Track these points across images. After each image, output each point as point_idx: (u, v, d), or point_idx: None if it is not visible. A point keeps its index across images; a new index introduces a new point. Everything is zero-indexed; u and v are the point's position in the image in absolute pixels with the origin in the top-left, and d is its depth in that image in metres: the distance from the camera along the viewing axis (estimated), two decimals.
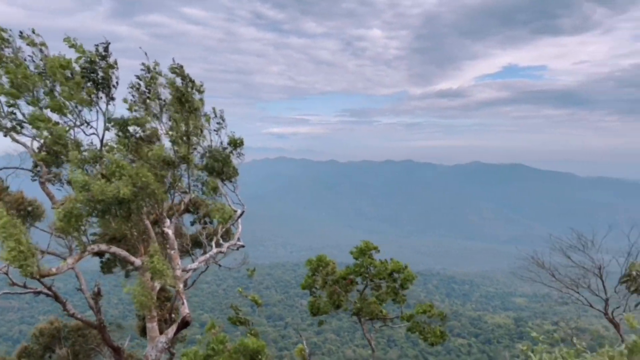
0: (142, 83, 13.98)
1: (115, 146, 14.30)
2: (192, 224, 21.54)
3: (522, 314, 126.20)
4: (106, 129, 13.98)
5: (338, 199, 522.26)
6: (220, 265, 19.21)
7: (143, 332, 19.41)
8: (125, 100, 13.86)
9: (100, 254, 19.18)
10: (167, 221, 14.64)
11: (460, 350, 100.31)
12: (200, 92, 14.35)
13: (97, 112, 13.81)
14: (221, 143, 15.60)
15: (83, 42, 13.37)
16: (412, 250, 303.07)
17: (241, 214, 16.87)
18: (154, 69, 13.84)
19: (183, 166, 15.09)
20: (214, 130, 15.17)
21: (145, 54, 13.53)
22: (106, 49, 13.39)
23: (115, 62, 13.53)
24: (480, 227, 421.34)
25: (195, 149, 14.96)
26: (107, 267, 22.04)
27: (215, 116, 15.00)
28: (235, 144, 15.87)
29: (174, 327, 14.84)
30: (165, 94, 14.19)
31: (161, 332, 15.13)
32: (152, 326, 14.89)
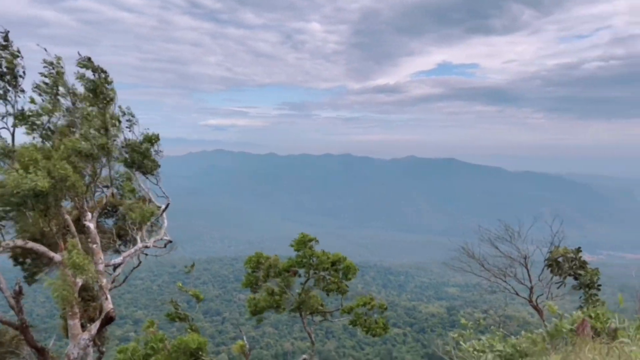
0: (48, 80, 13.15)
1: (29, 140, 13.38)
2: (115, 223, 20.68)
3: (454, 303, 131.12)
4: (15, 124, 13.02)
5: (277, 192, 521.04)
6: (147, 255, 18.44)
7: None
8: (32, 100, 12.99)
9: (21, 261, 17.87)
10: (89, 215, 13.85)
11: (395, 340, 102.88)
12: (109, 82, 13.73)
13: (7, 105, 12.84)
14: (136, 140, 15.02)
15: (7, 28, 12.40)
16: (351, 242, 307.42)
17: (166, 208, 16.27)
18: (58, 63, 13.06)
19: (104, 159, 14.37)
20: (127, 127, 14.59)
21: (45, 49, 12.74)
22: (6, 38, 12.45)
23: (18, 51, 12.59)
24: (416, 220, 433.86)
25: (114, 140, 14.29)
26: (30, 277, 20.72)
27: (124, 114, 14.43)
28: (151, 140, 15.29)
29: (97, 324, 14.10)
30: (78, 87, 13.47)
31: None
32: (74, 323, 14.08)
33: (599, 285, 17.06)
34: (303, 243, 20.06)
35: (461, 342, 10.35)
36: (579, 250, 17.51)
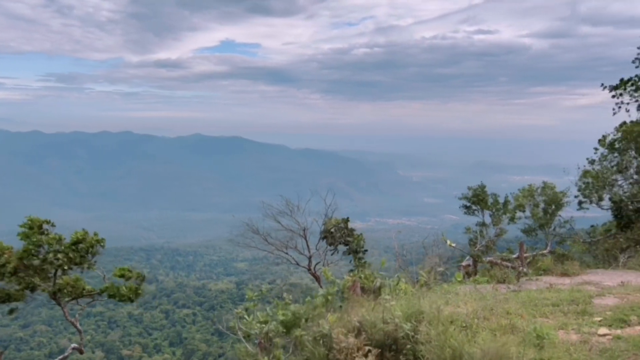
0: None
1: None
2: None
3: (243, 278, 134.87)
4: None
5: (44, 174, 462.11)
6: None
7: None
8: None
9: None
10: None
11: (185, 321, 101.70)
12: None
13: None
14: None
15: None
16: (133, 225, 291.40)
17: None
18: None
19: None
20: None
21: None
22: None
23: None
24: (203, 198, 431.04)
25: None
26: None
27: None
28: None
29: None
30: None
31: None
32: None
33: (365, 249, 19.39)
34: (32, 229, 17.52)
35: (245, 316, 10.63)
36: (347, 220, 19.54)
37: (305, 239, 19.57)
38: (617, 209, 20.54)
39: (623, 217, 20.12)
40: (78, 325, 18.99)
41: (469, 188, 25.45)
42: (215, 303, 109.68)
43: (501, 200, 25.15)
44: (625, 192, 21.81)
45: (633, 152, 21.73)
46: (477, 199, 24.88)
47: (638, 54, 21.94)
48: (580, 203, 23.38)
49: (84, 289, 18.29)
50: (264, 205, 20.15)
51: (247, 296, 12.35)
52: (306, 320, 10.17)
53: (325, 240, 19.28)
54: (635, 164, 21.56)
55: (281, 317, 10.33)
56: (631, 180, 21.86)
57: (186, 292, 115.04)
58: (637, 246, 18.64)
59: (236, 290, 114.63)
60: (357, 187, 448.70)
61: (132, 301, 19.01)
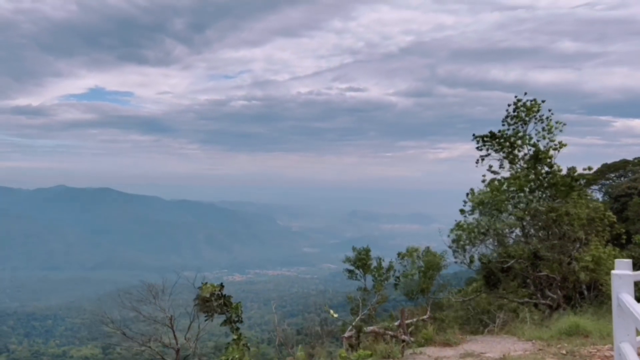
0: None
1: None
2: None
3: (110, 341, 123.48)
4: None
5: None
6: None
7: None
8: None
9: None
10: None
11: None
12: None
13: None
14: None
15: None
16: None
17: None
18: None
19: None
20: None
21: None
22: None
23: None
24: (65, 255, 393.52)
25: None
26: None
27: None
28: None
29: None
30: None
31: None
32: None
33: (241, 320, 16.94)
34: None
35: None
36: (222, 286, 17.05)
37: (172, 328, 17.33)
38: (486, 269, 21.12)
39: (491, 277, 20.86)
40: None
41: (354, 249, 25.02)
42: None
43: (385, 264, 24.97)
44: (492, 252, 22.68)
45: (493, 215, 22.86)
46: (361, 263, 24.44)
47: (507, 112, 22.96)
48: (454, 253, 23.85)
49: None
50: (121, 295, 17.69)
51: None
52: None
53: (198, 307, 16.86)
54: (493, 228, 22.31)
55: None
56: (495, 243, 22.84)
57: None
58: (506, 303, 19.73)
59: (102, 355, 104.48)
60: (236, 239, 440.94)
61: None
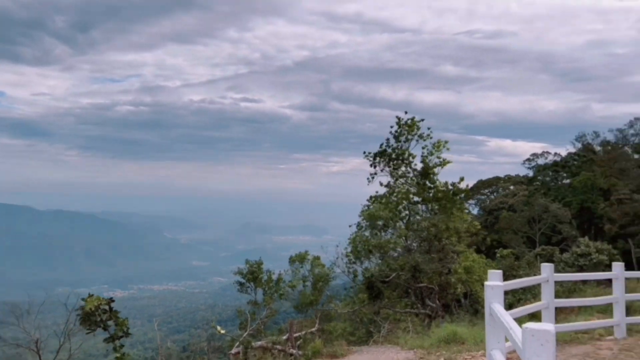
0: None
1: None
2: None
3: None
4: None
5: None
6: None
7: None
8: None
9: None
10: None
11: None
12: None
13: None
14: None
15: None
16: None
17: None
18: None
19: None
20: None
21: None
22: None
23: None
24: None
25: None
26: None
27: None
28: None
29: None
30: None
31: None
32: None
33: (128, 333, 15.72)
34: None
35: None
36: (111, 300, 15.74)
37: (38, 353, 15.49)
38: (369, 282, 22.42)
39: (374, 289, 22.12)
40: None
41: (247, 262, 24.87)
42: None
43: (275, 277, 25.11)
44: (374, 266, 23.65)
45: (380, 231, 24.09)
46: (252, 277, 24.43)
47: (394, 129, 24.05)
48: (346, 265, 24.77)
49: None
50: None
51: None
52: None
53: (79, 320, 15.29)
54: (378, 246, 23.42)
55: None
56: (379, 259, 23.88)
57: None
58: (391, 313, 20.95)
59: None
60: (118, 252, 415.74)
61: None
